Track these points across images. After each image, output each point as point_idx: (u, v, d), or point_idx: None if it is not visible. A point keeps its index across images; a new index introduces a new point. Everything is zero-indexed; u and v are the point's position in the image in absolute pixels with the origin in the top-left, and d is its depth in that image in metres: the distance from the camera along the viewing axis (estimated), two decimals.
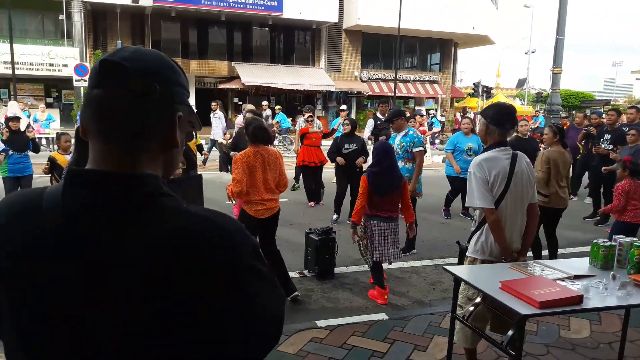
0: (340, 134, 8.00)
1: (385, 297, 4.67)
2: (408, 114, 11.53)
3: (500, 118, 3.03)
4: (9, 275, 0.80)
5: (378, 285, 4.70)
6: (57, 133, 7.02)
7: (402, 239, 5.11)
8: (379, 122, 9.02)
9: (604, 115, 9.89)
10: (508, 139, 3.26)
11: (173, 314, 0.75)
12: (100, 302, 0.76)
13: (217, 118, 12.40)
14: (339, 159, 7.45)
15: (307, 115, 9.08)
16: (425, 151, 7.97)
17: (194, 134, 8.58)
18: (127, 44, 22.69)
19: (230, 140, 9.14)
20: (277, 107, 15.98)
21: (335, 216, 7.59)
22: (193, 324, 0.76)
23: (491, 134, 3.05)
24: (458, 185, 7.95)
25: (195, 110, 0.97)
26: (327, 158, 8.03)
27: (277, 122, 15.42)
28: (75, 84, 16.99)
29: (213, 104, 12.55)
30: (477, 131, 8.30)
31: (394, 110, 6.87)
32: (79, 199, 0.80)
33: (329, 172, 9.18)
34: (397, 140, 6.27)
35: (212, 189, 8.50)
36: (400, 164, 6.04)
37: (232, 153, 6.62)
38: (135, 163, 0.84)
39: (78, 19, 21.15)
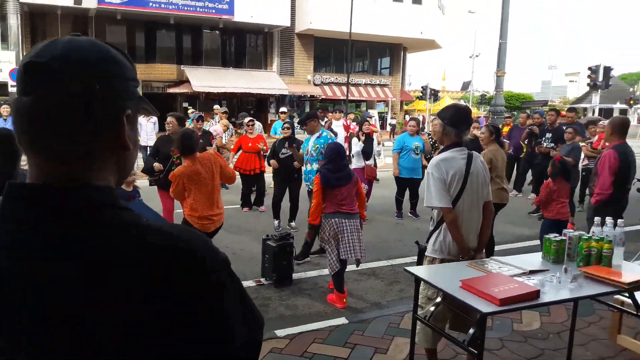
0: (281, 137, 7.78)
1: (344, 300, 4.65)
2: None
3: (457, 119, 3.09)
4: None
5: (337, 290, 4.67)
6: None
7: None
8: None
9: (545, 115, 10.37)
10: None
11: (128, 339, 0.66)
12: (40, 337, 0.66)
13: (153, 123, 12.18)
14: (273, 162, 7.22)
15: (247, 119, 8.83)
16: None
17: None
18: None
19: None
20: (191, 110, 14.15)
21: (276, 222, 7.40)
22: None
23: (448, 134, 3.10)
24: (403, 184, 8.19)
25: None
26: (266, 163, 7.84)
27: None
28: (10, 89, 16.05)
29: None
30: (425, 139, 8.51)
31: (307, 113, 6.94)
32: (15, 215, 0.71)
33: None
34: (310, 142, 6.26)
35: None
36: (315, 166, 6.08)
37: (155, 165, 6.03)
38: (80, 173, 0.74)
39: (14, 21, 20.05)
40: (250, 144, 8.46)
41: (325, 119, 11.25)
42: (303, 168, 6.51)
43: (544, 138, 8.93)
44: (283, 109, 13.20)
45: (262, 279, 5.29)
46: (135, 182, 5.99)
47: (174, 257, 0.70)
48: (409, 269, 2.86)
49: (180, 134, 4.62)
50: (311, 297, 4.89)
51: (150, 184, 6.40)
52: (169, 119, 6.39)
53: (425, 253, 3.14)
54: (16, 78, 0.76)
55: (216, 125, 10.68)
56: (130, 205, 0.81)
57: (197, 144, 4.55)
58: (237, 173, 8.65)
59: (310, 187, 6.04)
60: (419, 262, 3.24)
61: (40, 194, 0.71)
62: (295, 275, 5.35)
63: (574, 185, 7.65)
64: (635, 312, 2.88)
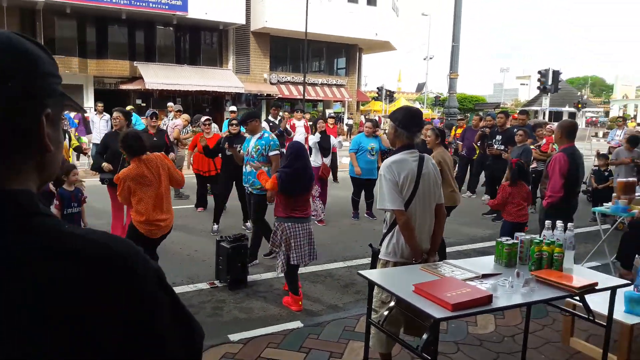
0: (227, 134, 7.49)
1: (300, 303, 4.59)
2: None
3: (408, 122, 3.07)
4: None
5: (292, 292, 4.60)
6: None
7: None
8: (270, 125, 9.54)
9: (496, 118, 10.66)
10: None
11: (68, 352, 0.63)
12: None
13: (106, 120, 11.81)
14: (105, 166, 6.07)
15: (204, 118, 8.57)
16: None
17: (68, 134, 7.86)
18: None
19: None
20: (129, 107, 12.98)
21: (215, 226, 7.22)
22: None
23: (399, 136, 3.08)
24: (359, 185, 8.17)
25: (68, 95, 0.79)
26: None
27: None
28: None
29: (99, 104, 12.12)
30: (380, 133, 8.57)
31: (248, 112, 6.62)
32: None
33: None
34: (252, 143, 6.00)
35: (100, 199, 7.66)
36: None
37: (104, 165, 5.87)
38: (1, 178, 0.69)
39: None
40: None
41: (279, 117, 11.07)
42: (243, 169, 6.14)
43: (494, 140, 9.16)
44: (232, 107, 12.99)
45: (217, 282, 5.16)
46: (77, 180, 5.72)
47: (99, 267, 0.67)
48: (363, 272, 2.82)
49: (124, 134, 4.43)
50: (266, 300, 4.80)
51: (103, 182, 6.22)
52: (115, 114, 6.25)
53: (379, 256, 3.12)
54: None
55: (176, 120, 10.44)
56: None
57: (143, 145, 4.33)
58: (191, 174, 8.49)
59: (250, 189, 5.89)
60: (373, 265, 3.21)
61: None
62: (250, 278, 5.25)
63: None
64: (586, 316, 2.94)
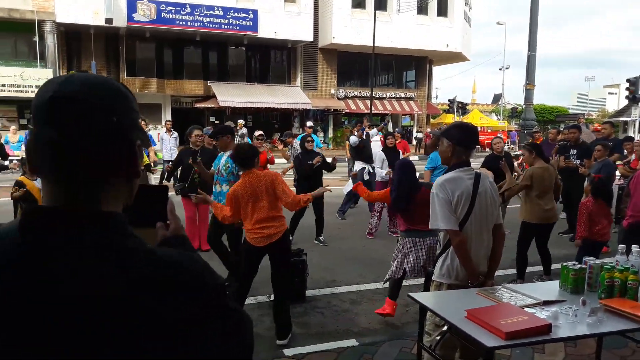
0: (299, 151, 7.65)
1: (394, 307, 4.59)
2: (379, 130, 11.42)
3: (467, 139, 2.95)
4: None
5: (390, 297, 4.61)
6: (22, 158, 6.77)
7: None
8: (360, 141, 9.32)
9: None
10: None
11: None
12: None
13: (175, 138, 12.37)
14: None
15: (257, 134, 8.71)
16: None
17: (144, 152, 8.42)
18: (102, 65, 22.64)
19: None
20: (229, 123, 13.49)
21: (291, 238, 7.29)
22: None
23: (457, 154, 2.94)
24: None
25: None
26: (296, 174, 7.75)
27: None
28: None
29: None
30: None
31: (220, 126, 6.50)
32: (36, 241, 0.74)
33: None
34: (222, 161, 5.44)
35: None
36: (225, 187, 5.26)
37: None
38: (97, 200, 0.80)
39: (51, 40, 20.84)
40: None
41: (361, 130, 10.70)
42: (213, 189, 5.49)
43: (568, 154, 8.57)
44: (309, 123, 13.09)
45: None
46: None
47: (185, 287, 0.76)
48: (414, 295, 2.71)
49: (237, 146, 4.44)
50: (324, 316, 4.76)
51: (177, 194, 6.82)
52: (197, 132, 6.70)
53: (432, 277, 2.98)
54: (36, 106, 0.80)
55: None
56: None
57: (250, 160, 4.24)
58: None
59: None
60: (426, 287, 3.08)
61: (57, 218, 0.76)
62: (308, 293, 5.24)
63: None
64: None
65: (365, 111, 25.44)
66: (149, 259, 0.77)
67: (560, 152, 8.90)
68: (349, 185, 9.01)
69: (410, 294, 2.78)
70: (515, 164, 9.41)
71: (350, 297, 5.26)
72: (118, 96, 0.82)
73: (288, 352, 3.82)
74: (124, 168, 0.83)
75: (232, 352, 0.81)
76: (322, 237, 7.41)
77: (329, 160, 7.40)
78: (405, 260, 4.46)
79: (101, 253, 0.74)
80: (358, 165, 8.99)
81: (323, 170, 7.43)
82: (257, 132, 8.56)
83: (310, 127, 11.74)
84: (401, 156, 8.61)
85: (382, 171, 8.21)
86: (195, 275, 0.79)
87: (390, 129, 22.64)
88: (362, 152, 9.26)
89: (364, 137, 9.51)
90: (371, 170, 8.95)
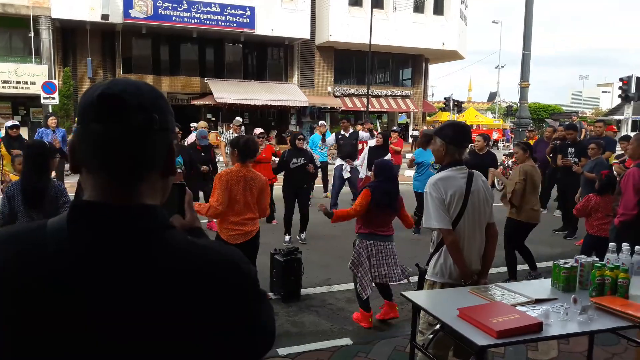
0: (289, 149, 7.63)
1: (370, 320, 4.46)
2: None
3: (460, 138, 2.95)
4: (15, 322, 0.76)
5: (362, 308, 4.49)
6: (12, 155, 6.70)
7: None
8: (340, 137, 9.89)
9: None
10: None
11: (194, 339, 0.78)
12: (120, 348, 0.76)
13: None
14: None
15: (258, 132, 8.68)
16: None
17: None
18: (97, 61, 22.52)
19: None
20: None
21: (287, 237, 7.30)
22: (208, 342, 0.80)
23: (450, 153, 2.95)
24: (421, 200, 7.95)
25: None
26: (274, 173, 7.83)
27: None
28: (43, 101, 16.47)
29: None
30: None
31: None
32: (87, 235, 0.79)
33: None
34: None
35: None
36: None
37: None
38: (139, 195, 0.85)
39: (46, 36, 20.68)
40: (264, 155, 8.43)
41: (351, 130, 10.73)
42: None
43: (566, 152, 8.63)
44: (322, 122, 13.01)
45: (270, 294, 5.21)
46: None
47: (228, 273, 0.84)
48: (406, 294, 2.73)
49: (245, 138, 4.66)
50: (319, 314, 4.78)
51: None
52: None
53: (426, 276, 3.00)
54: (84, 106, 0.84)
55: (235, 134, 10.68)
56: None
57: (250, 153, 4.50)
58: None
59: None
60: (420, 286, 3.09)
61: (105, 212, 0.81)
62: (303, 291, 5.25)
63: None
64: None
65: (362, 109, 25.47)
66: (191, 248, 0.84)
67: (559, 150, 8.94)
68: (345, 172, 9.22)
69: (403, 292, 2.80)
70: (510, 162, 9.43)
71: (345, 295, 5.28)
72: (158, 97, 0.88)
73: (282, 351, 3.83)
74: (162, 165, 0.88)
75: (267, 329, 0.92)
76: (304, 234, 7.42)
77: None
78: (366, 276, 4.37)
79: (148, 245, 0.80)
80: (338, 162, 9.28)
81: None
82: (258, 130, 8.57)
83: (323, 126, 11.62)
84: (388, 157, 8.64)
85: (362, 169, 8.43)
86: (234, 261, 0.86)
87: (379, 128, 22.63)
88: (341, 148, 9.50)
89: (347, 135, 9.93)
90: (349, 168, 9.33)
